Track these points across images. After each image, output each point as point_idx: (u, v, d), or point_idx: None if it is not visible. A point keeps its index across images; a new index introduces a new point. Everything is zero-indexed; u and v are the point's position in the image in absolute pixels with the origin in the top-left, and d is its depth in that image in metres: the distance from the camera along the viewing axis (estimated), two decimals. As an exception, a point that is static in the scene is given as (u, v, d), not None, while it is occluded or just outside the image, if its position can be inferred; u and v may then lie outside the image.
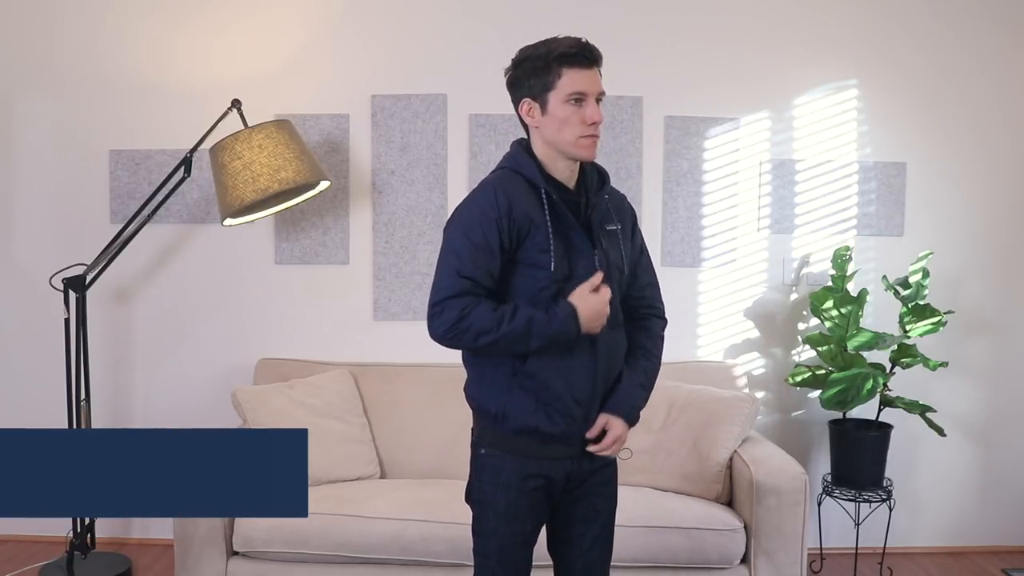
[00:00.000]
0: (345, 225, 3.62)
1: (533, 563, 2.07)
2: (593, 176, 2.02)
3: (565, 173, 1.96)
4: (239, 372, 3.59)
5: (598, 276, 1.90)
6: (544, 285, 1.91)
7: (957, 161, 3.60)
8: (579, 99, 1.89)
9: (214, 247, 3.64)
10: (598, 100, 1.92)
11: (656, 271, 2.18)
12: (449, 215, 1.99)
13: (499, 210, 1.88)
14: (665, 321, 2.15)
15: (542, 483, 1.99)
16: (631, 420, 2.02)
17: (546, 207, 1.92)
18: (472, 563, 2.07)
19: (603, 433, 1.99)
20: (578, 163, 1.97)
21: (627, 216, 2.09)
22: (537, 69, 1.90)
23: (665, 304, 2.16)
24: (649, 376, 2.08)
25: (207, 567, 2.89)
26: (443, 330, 1.89)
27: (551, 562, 2.15)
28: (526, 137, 2.02)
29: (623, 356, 2.05)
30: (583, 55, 1.89)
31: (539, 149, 1.97)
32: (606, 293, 1.90)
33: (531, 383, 1.94)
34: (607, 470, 2.09)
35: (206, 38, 3.58)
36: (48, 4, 3.60)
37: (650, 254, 2.16)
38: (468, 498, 2.07)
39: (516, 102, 1.97)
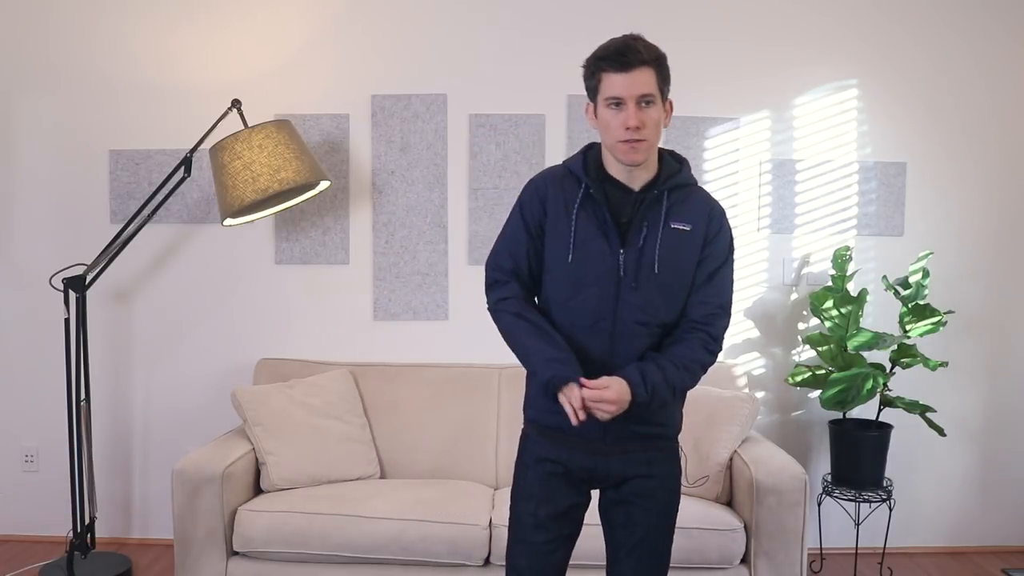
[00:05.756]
0: (345, 225, 3.62)
1: (571, 562, 2.09)
2: (672, 169, 1.97)
3: (622, 173, 1.95)
4: (239, 372, 3.59)
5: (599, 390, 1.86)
6: (563, 274, 1.94)
7: (957, 161, 3.60)
8: (617, 103, 1.87)
9: (214, 247, 3.64)
10: (647, 103, 1.87)
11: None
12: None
13: (526, 204, 2.00)
14: (712, 340, 1.97)
15: (560, 470, 2.00)
16: (636, 386, 1.87)
17: (578, 200, 1.94)
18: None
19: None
20: (636, 165, 1.92)
21: (704, 221, 1.96)
22: (588, 73, 1.92)
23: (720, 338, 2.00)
24: (672, 370, 1.92)
25: (207, 567, 2.89)
26: (489, 305, 2.05)
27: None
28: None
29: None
30: (614, 59, 1.86)
31: (604, 148, 1.98)
32: (601, 393, 1.85)
33: None
34: (648, 482, 2.02)
35: (206, 38, 3.59)
36: (48, 4, 3.60)
37: (730, 279, 2.02)
38: None
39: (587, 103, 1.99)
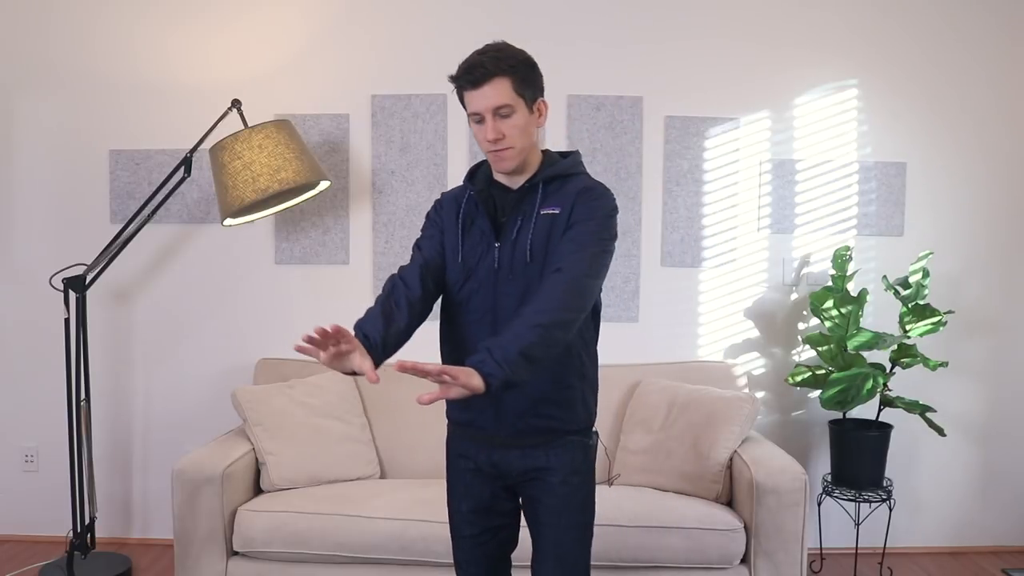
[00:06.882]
0: (345, 225, 3.62)
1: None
2: (551, 161, 2.00)
3: (504, 176, 2.00)
4: (239, 372, 3.59)
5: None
6: (453, 275, 2.01)
7: (957, 161, 3.61)
8: (479, 118, 1.91)
9: (214, 247, 3.64)
10: (504, 115, 1.88)
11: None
12: None
13: (431, 216, 2.09)
14: (561, 272, 1.84)
15: (471, 466, 2.07)
16: (473, 362, 1.75)
17: (463, 206, 2.01)
18: None
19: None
20: (507, 172, 1.98)
21: (573, 200, 1.92)
22: (456, 92, 1.95)
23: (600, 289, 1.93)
24: (511, 326, 1.78)
25: (207, 567, 2.89)
26: None
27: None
28: None
29: None
30: (464, 77, 1.89)
31: None
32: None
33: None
34: (547, 479, 1.98)
35: (206, 38, 3.59)
36: (48, 4, 3.60)
37: (593, 240, 1.89)
38: None
39: None
